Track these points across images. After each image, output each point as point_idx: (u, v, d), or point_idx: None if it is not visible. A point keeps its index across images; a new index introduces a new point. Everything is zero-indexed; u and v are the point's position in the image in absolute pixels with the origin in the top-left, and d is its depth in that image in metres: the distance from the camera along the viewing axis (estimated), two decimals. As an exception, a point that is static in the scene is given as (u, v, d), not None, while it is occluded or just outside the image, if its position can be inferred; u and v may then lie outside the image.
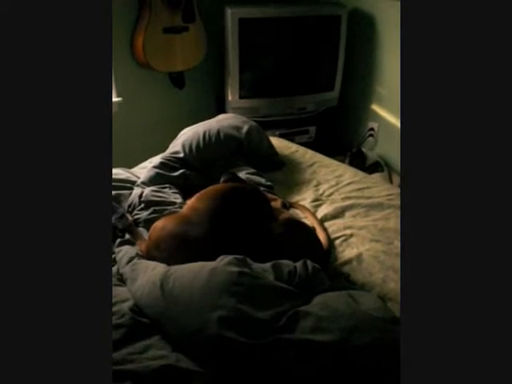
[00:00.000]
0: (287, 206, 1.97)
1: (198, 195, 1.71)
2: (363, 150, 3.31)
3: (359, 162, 3.19)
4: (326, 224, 1.91)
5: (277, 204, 1.91)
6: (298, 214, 1.96)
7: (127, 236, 1.72)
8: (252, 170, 2.14)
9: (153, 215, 1.79)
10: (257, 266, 1.39)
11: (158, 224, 1.61)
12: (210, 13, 3.06)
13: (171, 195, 1.95)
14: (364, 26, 3.28)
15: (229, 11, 2.89)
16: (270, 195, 2.00)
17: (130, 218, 1.81)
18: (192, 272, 1.33)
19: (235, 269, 1.30)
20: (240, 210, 1.63)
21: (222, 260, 1.35)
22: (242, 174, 2.08)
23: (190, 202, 1.71)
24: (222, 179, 1.84)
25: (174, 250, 1.51)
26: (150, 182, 2.02)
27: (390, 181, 3.11)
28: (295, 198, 2.11)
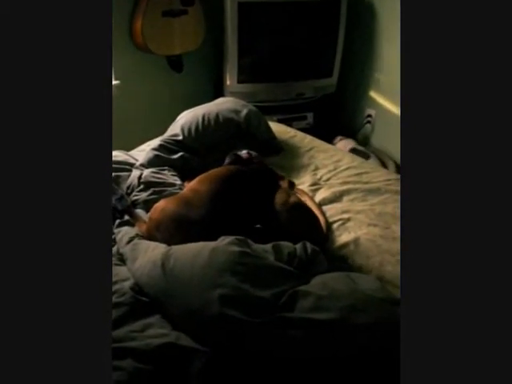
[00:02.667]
0: (293, 185, 1.98)
1: (199, 177, 1.72)
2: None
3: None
4: (324, 208, 1.92)
5: (284, 184, 1.92)
6: (300, 199, 1.96)
7: (126, 217, 1.72)
8: (251, 154, 2.14)
9: (152, 196, 1.80)
10: (257, 246, 1.41)
11: (159, 205, 1.62)
12: (209, -4, 3.04)
13: (170, 177, 1.96)
14: (363, 12, 3.27)
15: (228, -5, 2.87)
16: (279, 174, 2.01)
17: (128, 199, 1.82)
18: (193, 251, 1.34)
19: (236, 248, 1.32)
20: (240, 193, 1.64)
21: (223, 240, 1.37)
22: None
23: (191, 184, 1.72)
24: (226, 161, 1.84)
25: (174, 231, 1.52)
26: (149, 164, 2.02)
27: (384, 167, 3.11)
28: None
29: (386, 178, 2.14)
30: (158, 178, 1.91)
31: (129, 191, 1.89)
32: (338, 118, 3.68)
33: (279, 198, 1.71)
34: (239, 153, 1.93)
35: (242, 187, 1.67)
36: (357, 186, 2.08)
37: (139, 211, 1.78)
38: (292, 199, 1.73)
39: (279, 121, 3.03)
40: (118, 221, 1.69)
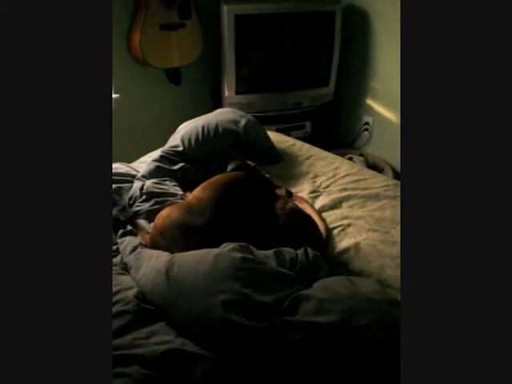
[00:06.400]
0: (291, 194, 2.01)
1: (203, 185, 1.74)
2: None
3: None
4: (324, 215, 1.94)
5: (282, 192, 1.94)
6: (297, 205, 1.99)
7: (129, 227, 1.75)
8: (250, 163, 2.17)
9: (155, 206, 1.83)
10: (259, 252, 1.43)
11: (164, 212, 1.65)
12: (206, 9, 3.08)
13: (172, 187, 1.98)
14: (358, 22, 3.31)
15: (225, 8, 2.91)
16: (275, 183, 2.03)
17: (130, 210, 1.84)
18: (196, 258, 1.36)
19: (239, 254, 1.34)
20: (243, 199, 1.66)
21: (226, 246, 1.39)
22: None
23: (195, 191, 1.75)
24: (229, 167, 1.86)
25: (178, 238, 1.54)
26: (150, 175, 2.04)
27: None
28: (293, 190, 2.12)
29: (383, 184, 2.16)
30: (160, 189, 1.93)
31: (131, 202, 1.91)
32: (336, 127, 3.71)
33: (277, 204, 1.73)
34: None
35: (245, 193, 1.70)
36: (355, 192, 2.11)
37: (142, 221, 1.80)
38: (289, 205, 1.75)
39: (278, 130, 3.06)
40: (120, 231, 1.72)
